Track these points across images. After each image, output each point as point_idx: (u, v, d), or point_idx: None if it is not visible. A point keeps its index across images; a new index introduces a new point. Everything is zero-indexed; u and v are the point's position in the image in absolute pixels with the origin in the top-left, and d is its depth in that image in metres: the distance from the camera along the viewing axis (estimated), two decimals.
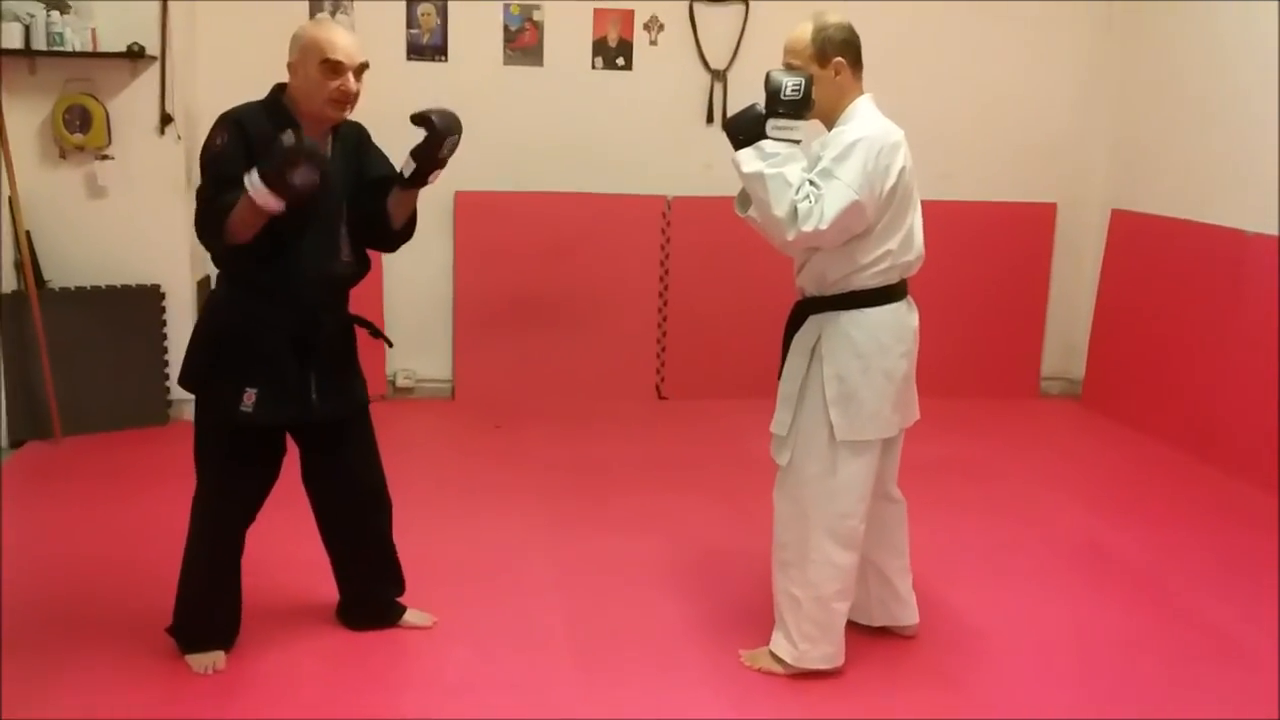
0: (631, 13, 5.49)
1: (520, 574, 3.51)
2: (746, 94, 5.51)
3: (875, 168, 2.68)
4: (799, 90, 2.68)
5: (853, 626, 3.05)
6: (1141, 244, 5.57)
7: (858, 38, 2.83)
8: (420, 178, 2.77)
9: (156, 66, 4.75)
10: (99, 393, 4.80)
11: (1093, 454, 5.22)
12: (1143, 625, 3.37)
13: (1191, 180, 5.25)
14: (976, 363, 5.89)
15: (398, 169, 2.82)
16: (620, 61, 5.53)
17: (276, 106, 2.74)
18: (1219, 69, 5.07)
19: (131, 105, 4.78)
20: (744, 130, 2.75)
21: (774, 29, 5.43)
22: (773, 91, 2.69)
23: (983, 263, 5.80)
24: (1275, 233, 4.64)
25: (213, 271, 5.22)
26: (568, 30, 5.45)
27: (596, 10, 5.46)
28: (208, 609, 2.96)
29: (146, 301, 4.91)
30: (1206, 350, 5.00)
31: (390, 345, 3.05)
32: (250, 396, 2.73)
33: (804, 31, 2.80)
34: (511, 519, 4.03)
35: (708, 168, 5.57)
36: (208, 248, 2.76)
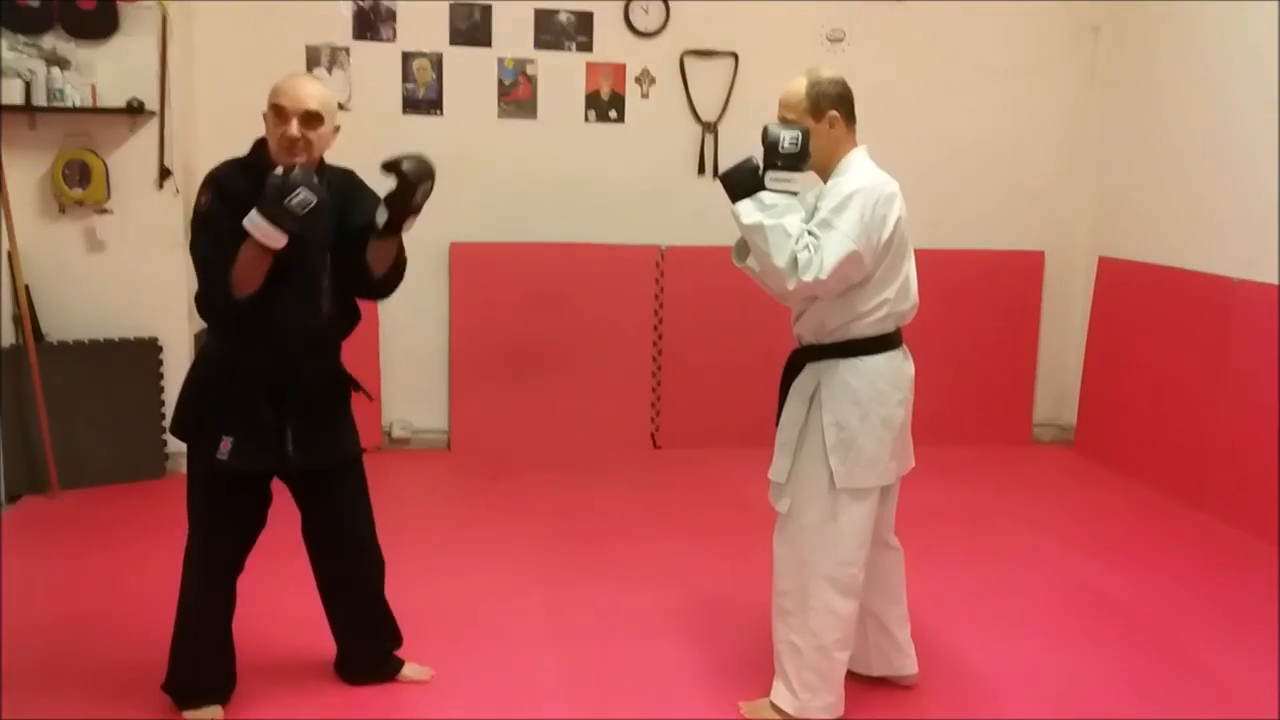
0: (623, 66, 5.58)
1: (517, 625, 3.50)
2: (737, 145, 5.59)
3: (872, 218, 2.73)
4: (797, 143, 2.74)
5: (851, 677, 3.05)
6: (1129, 291, 5.63)
7: (850, 91, 2.89)
8: (394, 226, 2.75)
9: (155, 121, 4.80)
10: (96, 446, 4.80)
11: (1086, 500, 5.23)
12: (1140, 671, 3.38)
13: (1177, 227, 5.32)
14: (968, 410, 5.92)
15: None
16: (613, 114, 5.61)
17: (256, 159, 2.77)
18: (1203, 116, 5.16)
19: (130, 160, 4.82)
20: (740, 183, 2.80)
21: (763, 81, 5.58)
22: (771, 145, 2.75)
23: (972, 311, 5.85)
24: (1262, 279, 4.70)
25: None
26: (561, 84, 5.54)
27: (589, 64, 5.55)
28: (202, 662, 2.95)
29: (144, 354, 4.93)
30: (1197, 396, 5.04)
31: (370, 398, 3.05)
32: (226, 444, 2.75)
33: (798, 85, 2.86)
34: (508, 569, 4.03)
35: (699, 217, 5.64)
36: (210, 307, 2.76)
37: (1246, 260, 4.81)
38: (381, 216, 2.73)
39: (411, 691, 3.12)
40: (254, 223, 2.54)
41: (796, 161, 2.75)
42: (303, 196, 2.54)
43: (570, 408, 5.65)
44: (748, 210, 2.77)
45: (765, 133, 2.77)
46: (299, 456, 2.83)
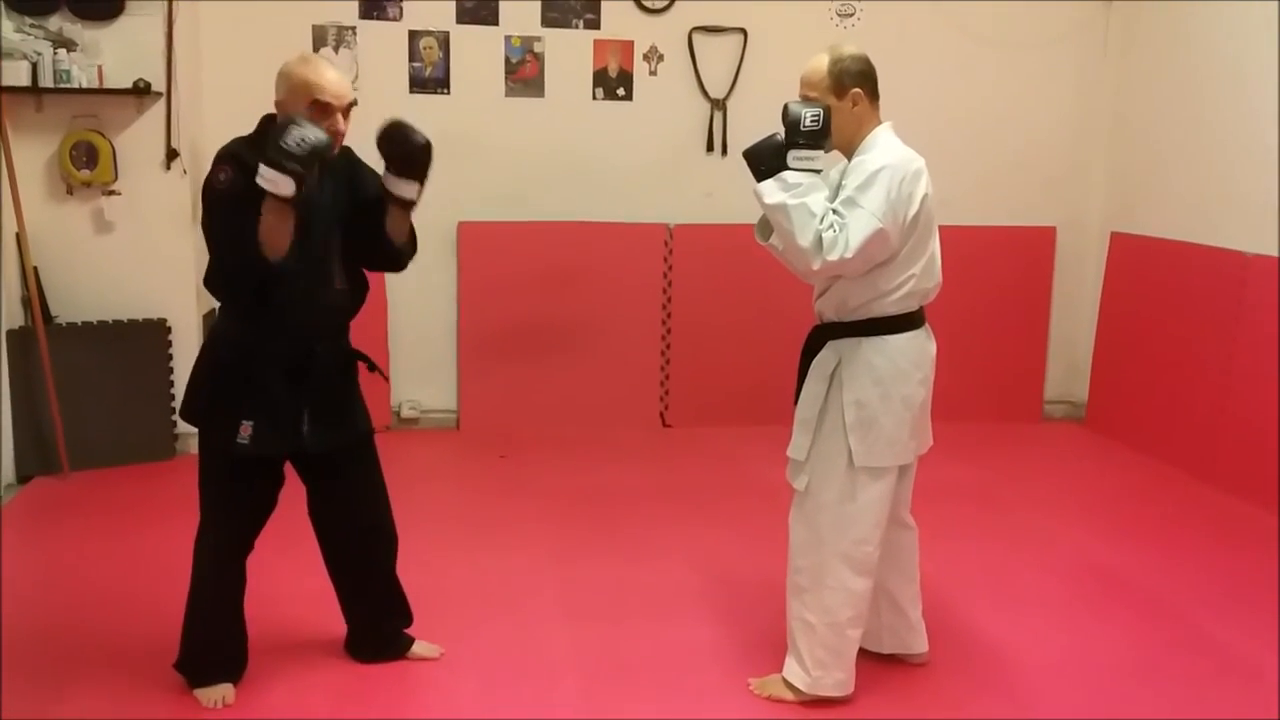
0: (631, 44, 5.54)
1: (527, 603, 3.51)
2: (746, 122, 5.59)
3: (899, 195, 2.70)
4: (818, 121, 2.71)
5: (863, 654, 3.05)
6: (1142, 266, 5.59)
7: (873, 68, 2.85)
8: (407, 187, 2.79)
9: (162, 102, 4.80)
10: (106, 427, 4.82)
11: (1097, 476, 5.22)
12: (1152, 647, 3.37)
13: (1190, 202, 5.28)
14: (980, 386, 5.89)
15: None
16: (621, 92, 5.58)
17: (265, 139, 2.73)
18: (1215, 91, 5.11)
19: (138, 141, 4.82)
20: (765, 161, 2.76)
21: (772, 57, 5.57)
22: (792, 123, 2.72)
23: (985, 287, 5.82)
24: (1275, 254, 4.66)
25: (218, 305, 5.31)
26: (568, 62, 5.51)
27: (596, 41, 5.51)
28: (214, 641, 2.96)
29: (153, 336, 4.93)
30: (1208, 371, 5.01)
31: (386, 379, 3.06)
32: (246, 429, 2.75)
33: (820, 63, 2.82)
34: (517, 548, 4.03)
35: (709, 196, 5.62)
36: (240, 281, 2.71)
37: (1259, 235, 4.77)
38: (399, 185, 2.77)
39: (421, 669, 3.12)
40: (263, 175, 2.54)
41: (818, 139, 2.72)
42: (298, 134, 2.53)
43: (579, 387, 5.64)
44: (770, 190, 2.74)
45: (786, 111, 2.74)
46: (317, 438, 2.83)
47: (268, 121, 2.77)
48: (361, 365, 2.99)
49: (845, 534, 2.86)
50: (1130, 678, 3.18)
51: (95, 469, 4.77)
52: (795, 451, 2.94)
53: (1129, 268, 5.70)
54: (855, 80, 2.80)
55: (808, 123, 2.70)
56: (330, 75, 2.71)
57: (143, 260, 4.90)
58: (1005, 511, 4.54)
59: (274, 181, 2.54)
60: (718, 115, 5.64)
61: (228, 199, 2.65)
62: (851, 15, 5.64)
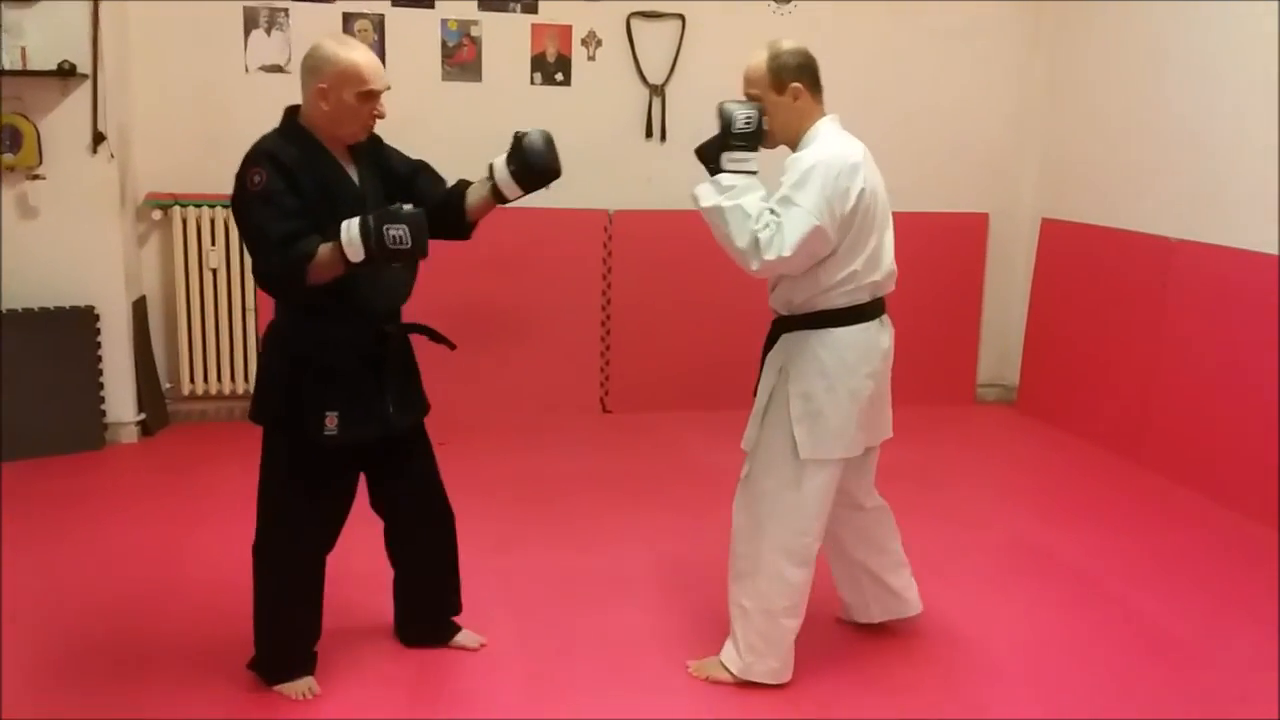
0: (569, 28, 5.52)
1: (467, 591, 3.49)
2: (685, 108, 5.61)
3: (834, 191, 2.69)
4: (751, 123, 2.72)
5: (853, 627, 3.19)
6: (1071, 252, 5.71)
7: (813, 61, 2.85)
8: (515, 191, 2.87)
9: (88, 84, 4.67)
10: (32, 417, 4.70)
11: (1030, 458, 5.33)
12: (1083, 624, 3.46)
13: (1118, 189, 5.40)
14: (914, 370, 5.91)
15: (491, 176, 2.86)
16: (559, 77, 5.56)
17: (296, 131, 2.72)
18: (1142, 80, 5.23)
19: (63, 124, 4.70)
20: (714, 159, 2.78)
21: (711, 44, 5.58)
22: (725, 124, 2.73)
23: (919, 272, 5.81)
24: (1200, 239, 4.79)
25: (148, 291, 5.20)
26: (506, 46, 5.47)
27: (534, 25, 5.48)
28: (299, 639, 2.93)
29: (81, 324, 4.83)
30: (1136, 354, 5.14)
31: (453, 347, 3.05)
32: (332, 420, 2.72)
33: (759, 60, 2.83)
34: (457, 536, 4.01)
35: (648, 181, 5.63)
36: (283, 288, 2.69)
37: (1185, 221, 4.90)
38: (511, 188, 2.85)
39: (377, 658, 3.10)
40: (348, 235, 2.52)
41: (753, 140, 2.74)
42: (398, 233, 2.53)
43: (519, 373, 5.63)
44: (706, 194, 2.76)
45: (720, 111, 2.74)
46: (401, 418, 2.84)
47: (292, 113, 2.74)
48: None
49: (785, 524, 2.88)
50: (1063, 654, 3.26)
51: (22, 459, 4.64)
52: (746, 443, 2.98)
53: (1059, 254, 5.81)
54: (794, 75, 2.81)
55: (740, 124, 2.72)
56: (375, 61, 2.69)
57: (69, 246, 4.79)
58: (939, 492, 4.62)
59: (352, 245, 2.52)
60: (656, 101, 5.65)
61: (266, 198, 2.60)
62: (789, 2, 5.67)
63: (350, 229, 2.53)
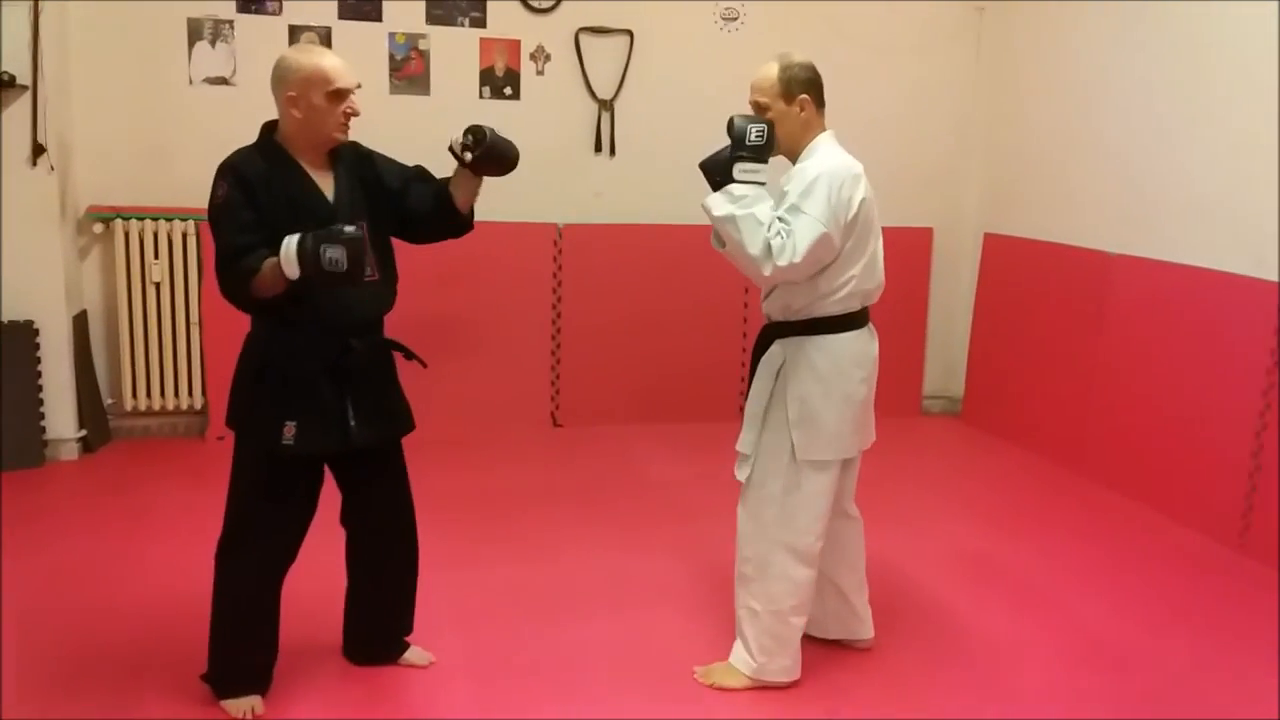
0: (518, 43, 5.53)
1: (417, 607, 3.48)
2: (633, 123, 5.64)
3: (838, 200, 2.81)
4: (762, 136, 2.81)
5: (808, 640, 3.17)
6: (1013, 265, 5.81)
7: (820, 76, 2.97)
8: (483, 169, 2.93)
9: (28, 96, 4.60)
10: None
11: (974, 468, 5.41)
12: (1025, 631, 3.51)
13: (1058, 204, 5.52)
14: None
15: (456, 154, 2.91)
16: (508, 91, 5.56)
17: (270, 146, 2.73)
18: (1080, 98, 5.34)
19: (2, 136, 4.61)
20: (719, 171, 2.85)
21: (658, 59, 5.62)
22: (737, 138, 2.81)
23: None
24: (1136, 253, 4.90)
25: (90, 305, 5.12)
26: (454, 60, 5.47)
27: (483, 40, 5.49)
28: (249, 654, 2.89)
29: (19, 338, 4.73)
30: (1075, 366, 5.24)
31: (424, 365, 3.02)
32: (290, 429, 2.70)
33: (770, 70, 2.93)
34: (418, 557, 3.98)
35: (597, 195, 5.64)
36: (232, 299, 2.71)
37: (1121, 235, 5.01)
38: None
39: (336, 677, 3.07)
40: (287, 247, 2.52)
41: (763, 153, 2.82)
42: (335, 255, 2.51)
43: (468, 387, 5.60)
44: (718, 203, 2.84)
45: (731, 125, 2.83)
46: (363, 433, 2.79)
47: (269, 129, 2.75)
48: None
49: (789, 525, 2.96)
50: (1004, 660, 3.31)
51: None
52: (743, 445, 3.04)
53: (1001, 267, 5.92)
54: (803, 87, 2.92)
55: (752, 138, 2.81)
56: (339, 61, 2.72)
57: (8, 260, 4.70)
58: (885, 502, 4.64)
59: (289, 263, 2.51)
60: (605, 115, 5.67)
61: (222, 210, 2.63)
62: (735, 19, 5.73)
63: (289, 246, 2.53)
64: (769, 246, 2.78)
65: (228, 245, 2.62)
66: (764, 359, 3.03)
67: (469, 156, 2.85)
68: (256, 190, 2.64)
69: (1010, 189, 5.93)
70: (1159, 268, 4.76)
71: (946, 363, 6.31)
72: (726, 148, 2.86)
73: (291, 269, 2.52)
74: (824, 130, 2.98)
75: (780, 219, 2.80)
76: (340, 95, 2.71)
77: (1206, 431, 4.42)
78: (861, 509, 3.32)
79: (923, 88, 6.06)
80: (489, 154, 2.87)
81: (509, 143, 2.93)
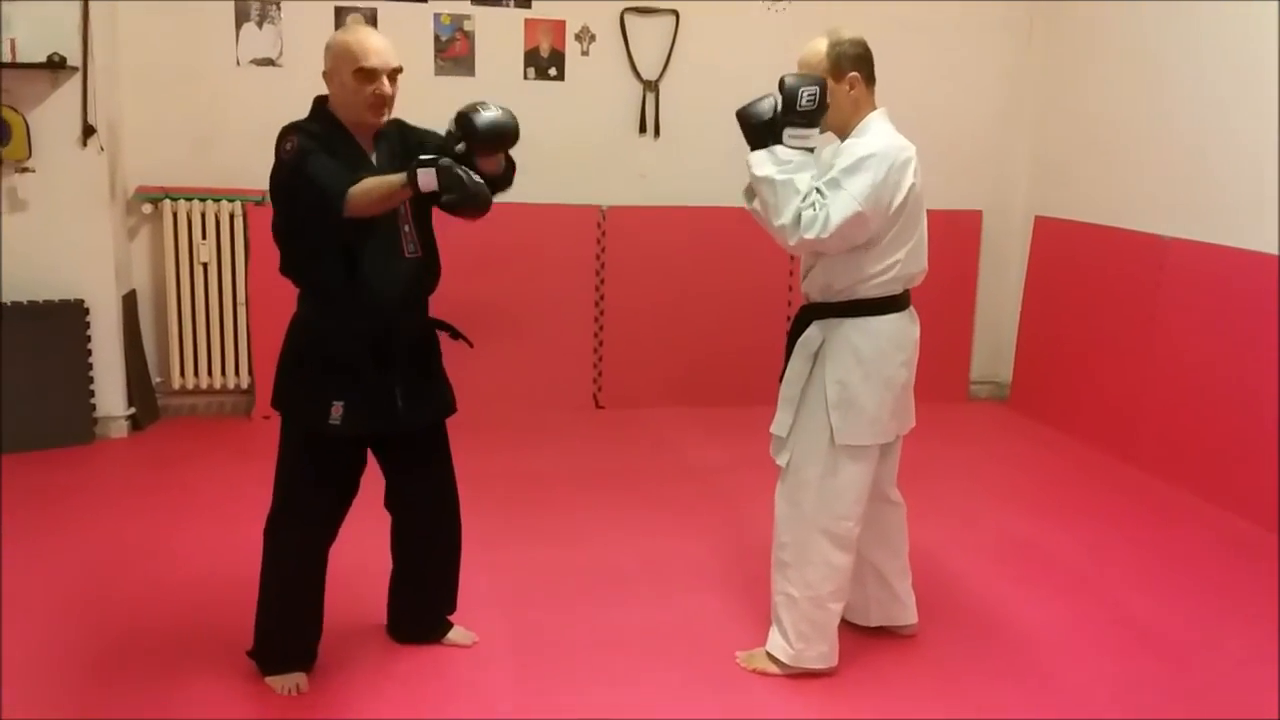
0: (563, 23, 5.50)
1: (461, 588, 3.49)
2: (679, 104, 5.60)
3: (885, 183, 2.74)
4: (814, 100, 2.73)
5: (850, 627, 3.15)
6: (1064, 249, 5.71)
7: (870, 53, 2.89)
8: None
9: (78, 77, 4.65)
10: (22, 411, 4.67)
11: (1022, 455, 5.33)
12: (1073, 621, 3.46)
13: (1111, 187, 5.41)
14: None
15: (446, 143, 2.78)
16: (553, 72, 5.54)
17: (324, 116, 2.75)
18: (1134, 78, 5.23)
19: (53, 116, 4.67)
20: (757, 125, 2.77)
21: (704, 40, 5.57)
22: (788, 99, 2.73)
23: None
24: (1193, 237, 4.80)
25: (139, 285, 5.18)
26: (499, 40, 5.45)
27: (528, 20, 5.46)
28: (295, 630, 2.92)
29: (70, 317, 4.80)
30: (1127, 352, 5.14)
31: (470, 345, 3.01)
32: (337, 409, 2.71)
33: (819, 45, 2.86)
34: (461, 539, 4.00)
35: (642, 177, 5.62)
36: (336, 212, 2.57)
37: (1176, 218, 4.90)
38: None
39: (363, 654, 3.09)
40: (422, 173, 2.48)
41: (814, 118, 2.75)
42: (477, 185, 2.52)
43: (512, 370, 5.61)
44: (761, 161, 2.78)
45: (782, 84, 2.75)
46: (409, 414, 2.80)
47: (321, 102, 2.77)
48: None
49: (826, 510, 2.91)
50: (1060, 654, 3.25)
51: (11, 454, 4.61)
52: (778, 428, 2.99)
53: (1052, 251, 5.82)
54: (853, 64, 2.84)
55: (804, 102, 2.72)
56: (373, 41, 2.69)
57: (59, 239, 4.77)
58: (933, 490, 4.61)
59: (427, 181, 2.49)
60: (650, 97, 5.63)
61: (301, 155, 2.59)
62: (781, 0, 5.67)
63: (422, 166, 2.49)
64: (799, 217, 2.72)
65: (324, 169, 2.57)
66: (801, 340, 2.97)
67: (461, 148, 2.73)
68: (321, 144, 2.63)
69: (1062, 171, 5.82)
70: (1215, 251, 4.65)
71: (994, 347, 6.23)
72: (765, 96, 2.78)
73: (428, 182, 2.48)
74: (875, 109, 2.90)
75: (818, 189, 2.74)
76: (367, 75, 2.66)
77: (1263, 422, 4.31)
78: (906, 495, 3.27)
79: (972, 71, 5.96)
80: (483, 144, 2.71)
81: (499, 123, 2.68)
